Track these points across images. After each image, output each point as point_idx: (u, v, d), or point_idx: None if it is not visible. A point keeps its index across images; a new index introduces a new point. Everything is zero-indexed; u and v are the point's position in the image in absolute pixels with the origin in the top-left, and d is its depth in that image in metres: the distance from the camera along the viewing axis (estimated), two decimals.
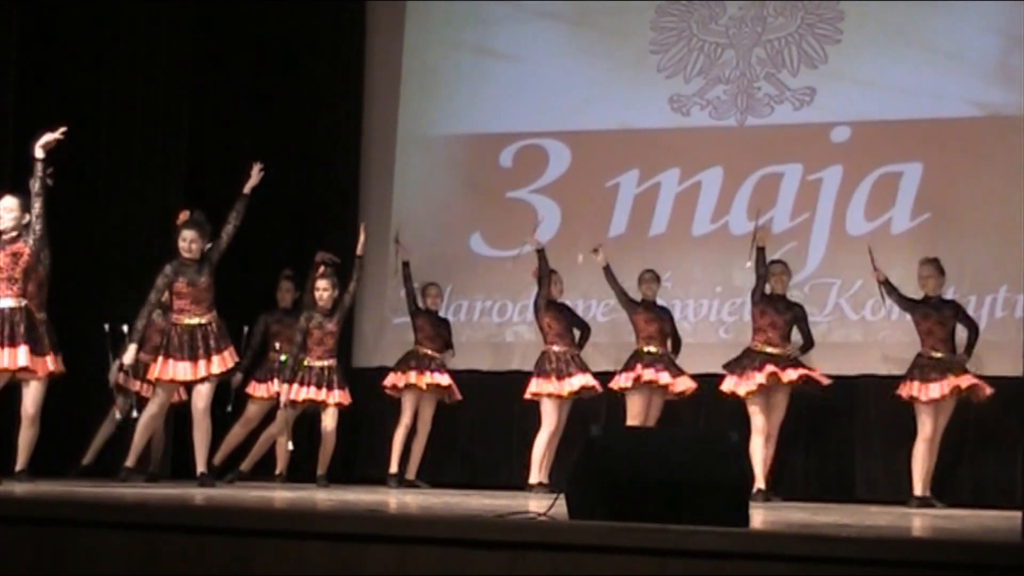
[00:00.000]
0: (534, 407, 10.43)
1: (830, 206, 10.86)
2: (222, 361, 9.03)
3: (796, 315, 10.00)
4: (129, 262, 10.79)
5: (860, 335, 10.62)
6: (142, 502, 6.32)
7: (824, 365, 10.01)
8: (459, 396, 10.71)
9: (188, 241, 9.05)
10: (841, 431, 10.61)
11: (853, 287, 10.59)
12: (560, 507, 5.61)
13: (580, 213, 11.32)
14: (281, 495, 8.02)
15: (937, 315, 9.68)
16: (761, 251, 9.86)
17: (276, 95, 11.75)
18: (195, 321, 9.02)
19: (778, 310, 9.99)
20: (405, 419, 10.56)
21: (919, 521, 7.38)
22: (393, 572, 4.93)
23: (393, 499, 8.11)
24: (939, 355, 9.59)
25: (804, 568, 4.61)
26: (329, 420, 9.98)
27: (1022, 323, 10.11)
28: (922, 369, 9.60)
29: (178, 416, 10.12)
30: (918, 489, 9.52)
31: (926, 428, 9.52)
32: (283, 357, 9.99)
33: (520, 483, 10.27)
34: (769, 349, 9.84)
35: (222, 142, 11.45)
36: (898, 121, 10.73)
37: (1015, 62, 10.41)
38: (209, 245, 9.12)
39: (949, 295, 9.97)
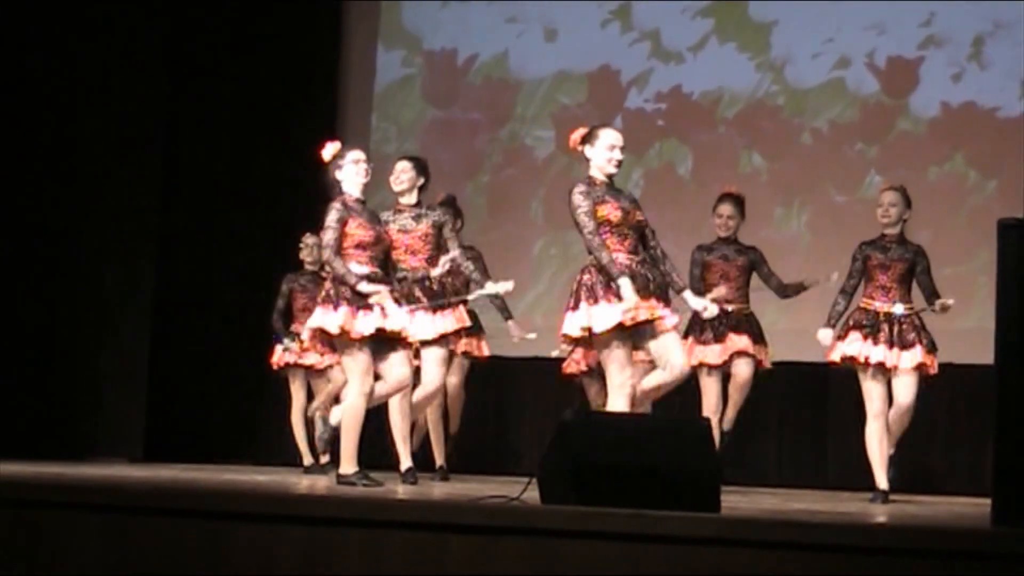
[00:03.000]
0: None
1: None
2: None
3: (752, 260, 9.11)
4: (102, 270, 10.73)
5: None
6: (118, 485, 6.32)
7: (796, 351, 9.98)
8: None
9: None
10: (813, 417, 10.63)
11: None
12: (533, 492, 5.63)
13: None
14: (256, 478, 8.02)
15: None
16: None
17: (251, 97, 11.64)
18: None
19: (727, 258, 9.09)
20: None
21: (890, 508, 7.41)
22: (367, 556, 4.94)
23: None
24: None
25: (776, 554, 4.64)
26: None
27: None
28: None
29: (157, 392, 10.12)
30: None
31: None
32: None
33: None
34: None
35: (198, 152, 11.39)
36: None
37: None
38: None
39: None
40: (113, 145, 10.85)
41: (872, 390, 8.00)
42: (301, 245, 9.90)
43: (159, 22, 11.07)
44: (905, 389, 7.99)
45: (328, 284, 7.32)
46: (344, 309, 7.13)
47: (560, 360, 9.38)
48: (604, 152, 6.88)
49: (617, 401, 6.68)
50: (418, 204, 8.26)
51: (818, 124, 10.84)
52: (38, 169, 10.58)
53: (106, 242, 10.72)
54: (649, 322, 6.70)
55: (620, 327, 6.63)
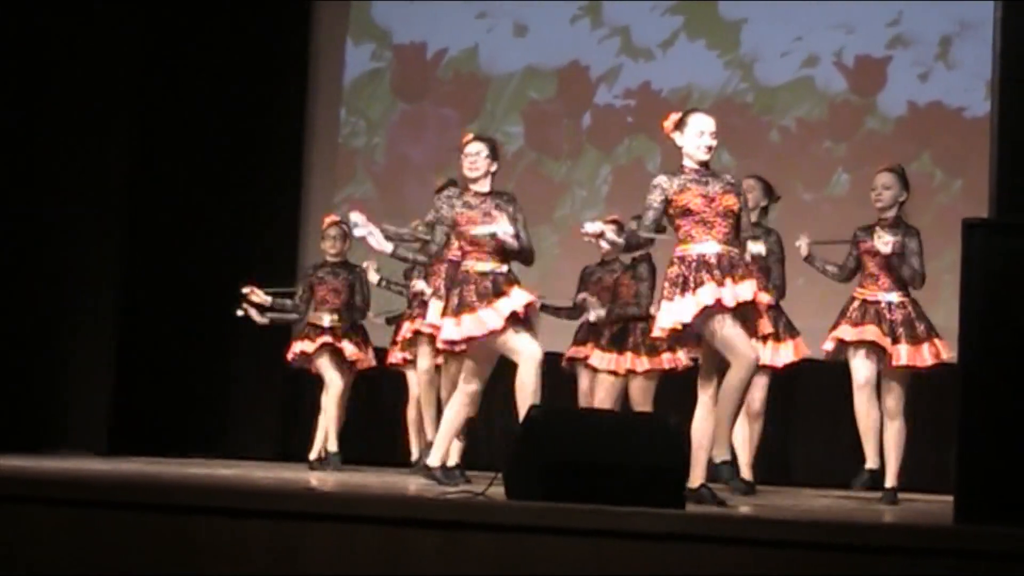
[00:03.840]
0: None
1: None
2: None
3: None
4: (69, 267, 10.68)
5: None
6: (81, 479, 6.30)
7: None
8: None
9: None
10: (779, 415, 10.63)
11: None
12: (498, 487, 5.64)
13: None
14: (220, 472, 8.00)
15: None
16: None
17: (220, 99, 11.58)
18: None
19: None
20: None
21: (854, 505, 7.44)
22: (331, 550, 4.94)
23: (331, 478, 8.11)
24: None
25: (739, 551, 4.66)
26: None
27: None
28: None
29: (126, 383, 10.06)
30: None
31: None
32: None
33: None
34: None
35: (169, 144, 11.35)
36: None
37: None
38: None
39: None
40: (80, 136, 10.78)
41: (860, 366, 7.59)
42: (325, 235, 9.71)
43: (129, 15, 11.01)
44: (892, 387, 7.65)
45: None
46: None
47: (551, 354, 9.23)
48: (694, 138, 6.56)
49: (738, 373, 6.33)
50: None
51: (786, 122, 10.88)
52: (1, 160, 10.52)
53: (71, 234, 10.66)
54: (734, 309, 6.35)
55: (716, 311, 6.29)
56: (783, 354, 8.29)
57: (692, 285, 6.32)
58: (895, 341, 7.56)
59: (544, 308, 8.27)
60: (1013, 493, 5.09)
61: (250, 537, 4.99)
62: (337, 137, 11.68)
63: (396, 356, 9.37)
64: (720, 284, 6.31)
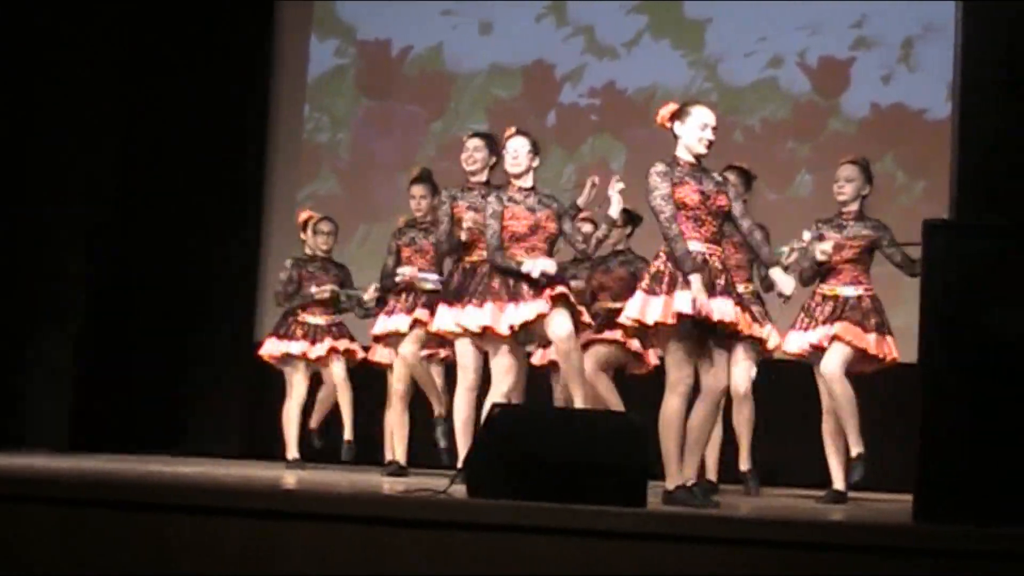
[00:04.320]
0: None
1: None
2: None
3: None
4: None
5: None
6: (47, 476, 6.27)
7: None
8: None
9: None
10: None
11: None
12: (460, 485, 5.64)
13: None
14: (183, 470, 7.97)
15: None
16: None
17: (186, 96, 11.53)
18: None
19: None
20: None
21: (814, 504, 7.46)
22: (298, 548, 4.93)
23: (293, 476, 8.10)
24: None
25: (700, 549, 4.67)
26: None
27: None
28: None
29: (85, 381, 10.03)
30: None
31: None
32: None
33: None
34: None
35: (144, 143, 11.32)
36: None
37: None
38: None
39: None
40: (42, 136, 10.76)
41: (832, 355, 7.44)
42: (317, 231, 9.54)
43: (92, 12, 10.98)
44: (827, 362, 7.41)
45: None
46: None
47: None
48: (695, 131, 6.30)
49: (669, 399, 6.12)
50: (487, 184, 7.75)
51: (751, 122, 10.91)
52: None
53: (32, 232, 10.62)
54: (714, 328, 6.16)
55: (681, 321, 6.06)
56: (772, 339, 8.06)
57: (678, 285, 6.10)
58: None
59: None
60: (972, 493, 5.12)
61: (223, 536, 4.98)
62: (301, 133, 11.65)
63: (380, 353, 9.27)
64: (707, 291, 6.08)
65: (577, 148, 11.14)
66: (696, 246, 6.19)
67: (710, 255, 6.22)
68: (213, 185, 11.41)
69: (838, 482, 7.68)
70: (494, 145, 7.76)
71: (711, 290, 6.11)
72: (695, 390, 6.19)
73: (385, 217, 11.36)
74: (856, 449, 7.50)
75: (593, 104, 11.17)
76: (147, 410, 10.88)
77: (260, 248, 11.42)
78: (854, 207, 7.65)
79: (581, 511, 4.87)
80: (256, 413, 11.06)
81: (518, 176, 7.27)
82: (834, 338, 7.46)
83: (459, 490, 5.63)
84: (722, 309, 6.12)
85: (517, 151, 7.25)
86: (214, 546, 4.97)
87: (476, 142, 7.87)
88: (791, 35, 10.83)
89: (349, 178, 11.56)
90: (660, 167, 6.26)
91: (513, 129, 7.42)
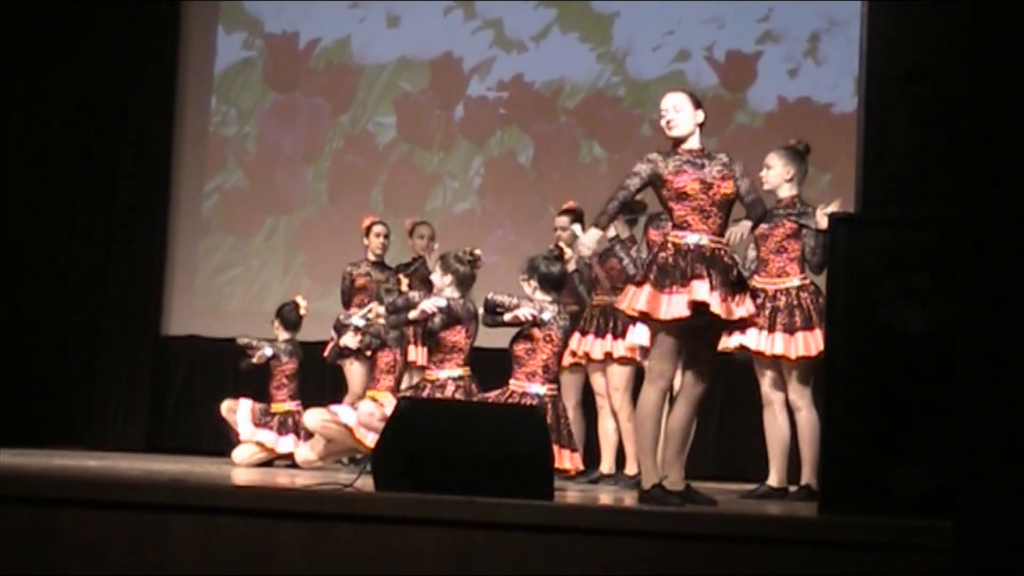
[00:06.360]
0: None
1: None
2: None
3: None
4: None
5: None
6: None
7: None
8: None
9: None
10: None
11: None
12: (367, 479, 5.62)
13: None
14: (86, 464, 7.88)
15: None
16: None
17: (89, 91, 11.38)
18: None
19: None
20: None
21: (723, 497, 7.48)
22: (197, 542, 4.89)
23: (198, 468, 8.03)
24: None
25: (608, 541, 4.68)
26: None
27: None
28: None
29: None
30: None
31: None
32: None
33: None
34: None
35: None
36: None
37: None
38: None
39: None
40: None
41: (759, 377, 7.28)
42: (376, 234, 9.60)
43: None
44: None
45: None
46: None
47: None
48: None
49: (648, 391, 5.87)
50: None
51: (658, 116, 10.93)
52: None
53: None
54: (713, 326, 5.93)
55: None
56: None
57: (689, 276, 5.80)
58: (771, 330, 7.18)
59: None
60: (874, 484, 5.16)
61: (111, 528, 4.93)
62: (208, 126, 11.55)
63: None
64: (713, 288, 5.78)
65: (485, 141, 11.13)
66: (703, 240, 5.89)
67: (718, 251, 5.92)
68: (119, 176, 11.30)
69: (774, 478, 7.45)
70: None
71: (725, 286, 5.82)
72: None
73: (291, 210, 11.34)
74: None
75: (501, 97, 11.16)
76: (51, 404, 10.75)
77: (166, 239, 11.31)
78: (784, 193, 7.37)
79: (488, 504, 4.86)
80: (160, 406, 10.98)
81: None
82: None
83: (368, 483, 5.60)
84: (736, 310, 5.88)
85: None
86: (102, 541, 4.92)
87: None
88: (698, 29, 10.87)
89: (255, 171, 11.47)
90: (653, 153, 6.07)
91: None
